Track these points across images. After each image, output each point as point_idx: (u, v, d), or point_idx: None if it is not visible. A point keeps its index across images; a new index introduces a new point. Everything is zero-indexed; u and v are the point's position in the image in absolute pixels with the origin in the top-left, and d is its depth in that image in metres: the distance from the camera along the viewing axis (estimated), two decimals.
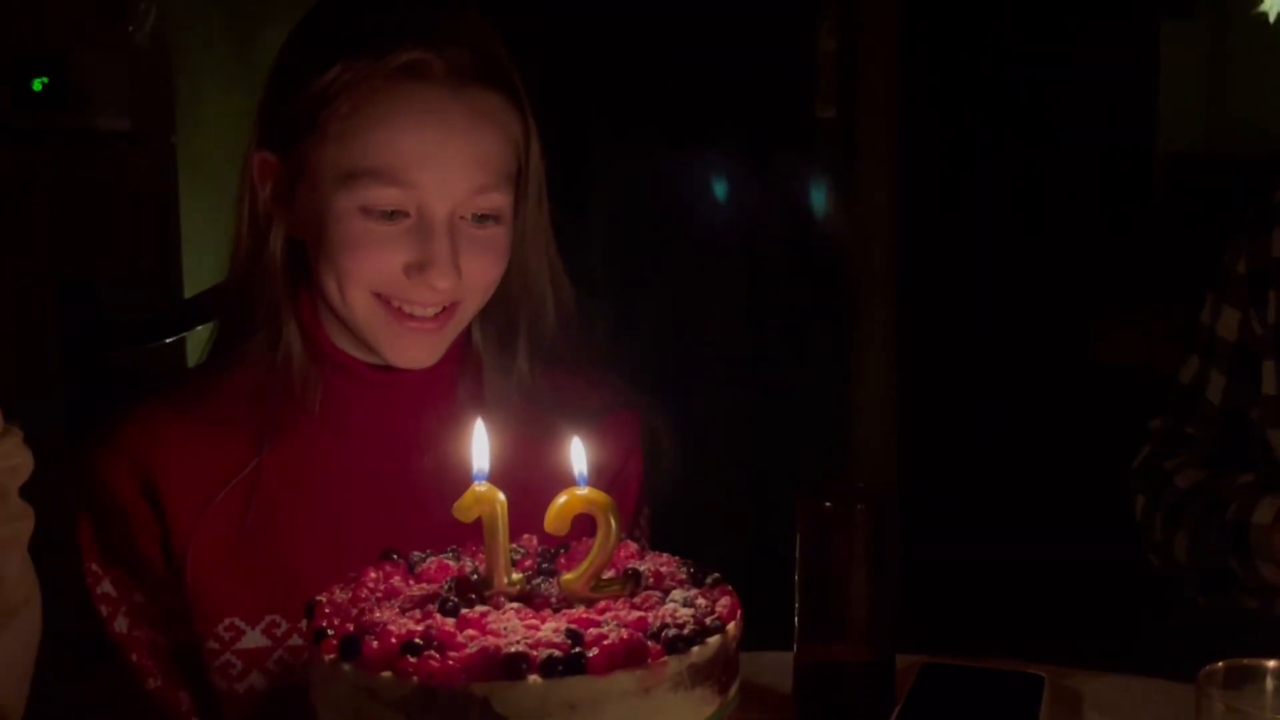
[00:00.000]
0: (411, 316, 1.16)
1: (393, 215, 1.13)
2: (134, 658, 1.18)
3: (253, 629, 1.17)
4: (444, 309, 1.17)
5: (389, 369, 1.21)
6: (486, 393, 1.23)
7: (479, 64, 1.15)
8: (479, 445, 0.92)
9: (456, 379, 1.24)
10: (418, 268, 1.13)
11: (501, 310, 1.23)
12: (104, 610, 1.17)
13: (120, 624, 1.18)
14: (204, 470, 1.17)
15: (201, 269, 2.41)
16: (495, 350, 1.24)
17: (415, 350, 1.19)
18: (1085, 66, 2.84)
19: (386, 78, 1.12)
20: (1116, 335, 2.72)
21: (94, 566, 1.18)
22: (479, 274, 1.17)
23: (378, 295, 1.16)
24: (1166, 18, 3.14)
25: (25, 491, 1.06)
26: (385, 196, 1.12)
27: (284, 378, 1.18)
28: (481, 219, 1.16)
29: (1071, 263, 2.86)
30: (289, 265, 1.19)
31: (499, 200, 1.17)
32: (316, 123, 1.14)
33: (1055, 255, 2.87)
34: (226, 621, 1.17)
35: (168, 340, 1.58)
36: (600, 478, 1.17)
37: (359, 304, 1.16)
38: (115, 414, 1.19)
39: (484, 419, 0.93)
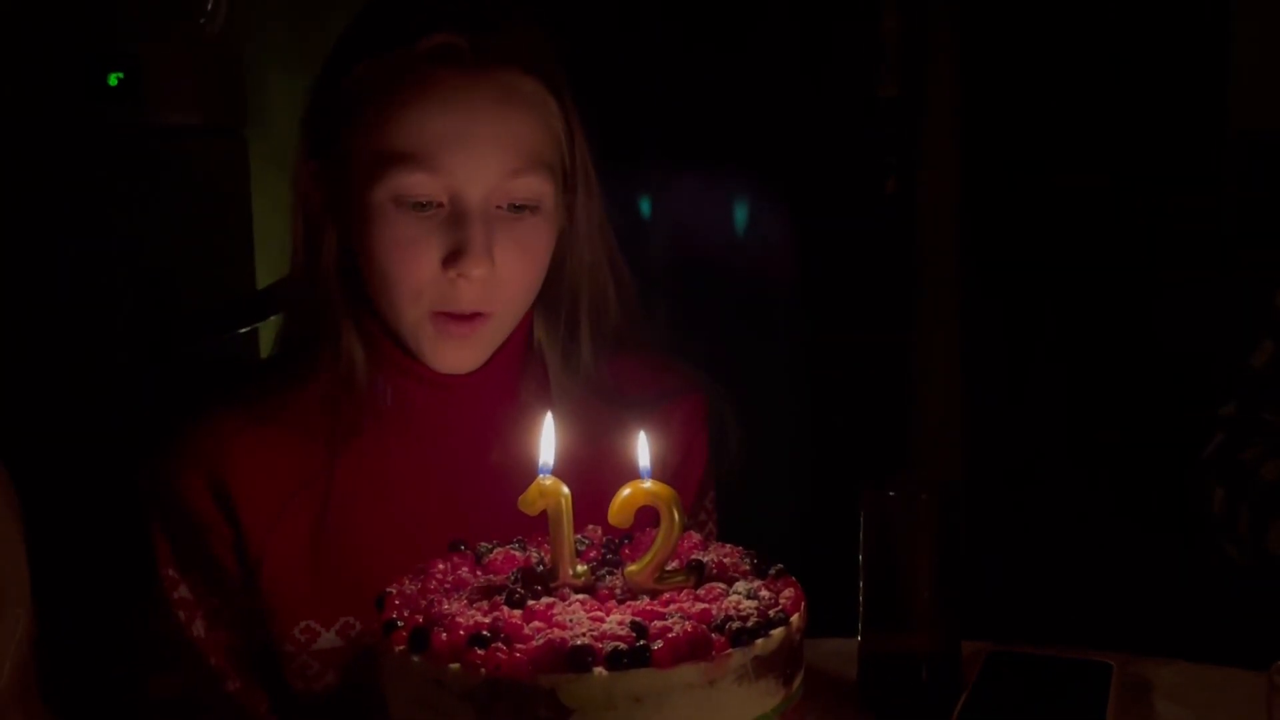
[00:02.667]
0: (450, 318, 1.15)
1: (426, 206, 1.12)
2: (213, 661, 1.18)
3: (328, 630, 1.17)
4: (474, 315, 1.15)
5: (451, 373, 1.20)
6: (553, 388, 1.22)
7: (509, 47, 1.14)
8: (545, 439, 0.92)
9: (519, 377, 1.23)
10: (452, 258, 1.11)
11: (563, 305, 1.22)
12: (181, 615, 1.18)
13: (198, 628, 1.18)
14: (276, 477, 1.17)
15: (273, 260, 2.43)
16: (559, 346, 1.23)
17: (454, 355, 1.18)
18: (1154, 41, 2.78)
19: (415, 64, 1.12)
20: (1182, 319, 2.67)
21: (170, 572, 1.18)
22: (513, 268, 1.14)
23: (419, 301, 1.14)
24: None
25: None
26: (415, 183, 1.11)
27: (348, 386, 1.18)
28: (518, 209, 1.14)
29: (1138, 245, 2.80)
30: (350, 274, 1.18)
31: (535, 186, 1.14)
32: (350, 116, 1.14)
33: (1122, 237, 2.82)
34: (302, 624, 1.17)
35: (242, 330, 1.60)
36: (665, 462, 1.17)
37: (408, 312, 1.15)
38: (185, 422, 1.19)
39: (551, 414, 0.93)
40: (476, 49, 1.12)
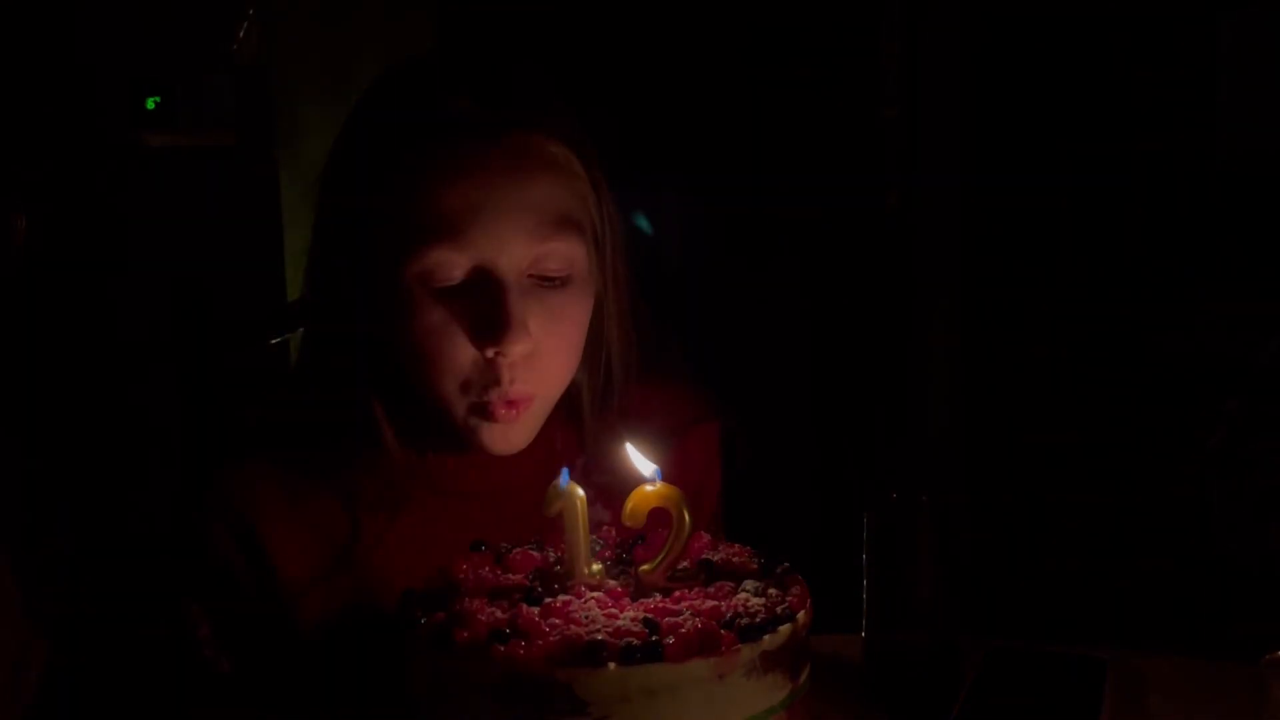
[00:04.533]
0: (491, 409, 1.07)
1: (456, 290, 1.04)
2: (231, 678, 1.15)
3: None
4: (516, 400, 1.07)
5: None
6: (587, 438, 1.16)
7: (527, 110, 1.07)
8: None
9: (556, 433, 1.17)
10: (489, 337, 1.03)
11: (597, 362, 1.15)
12: (208, 652, 1.13)
13: (219, 660, 1.14)
14: (312, 532, 1.11)
15: (301, 276, 2.45)
16: (590, 398, 1.16)
17: (507, 440, 1.09)
18: (1145, 59, 2.78)
19: (430, 134, 1.04)
20: (1178, 323, 2.66)
21: (196, 611, 1.14)
22: (553, 340, 1.07)
23: (468, 391, 1.07)
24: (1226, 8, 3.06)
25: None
26: (442, 260, 1.03)
27: (386, 468, 1.12)
28: (549, 280, 1.06)
29: (1135, 253, 2.80)
30: (376, 360, 1.10)
31: (565, 252, 1.06)
32: (370, 183, 1.06)
33: (1117, 246, 2.81)
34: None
35: (273, 341, 1.61)
36: (684, 489, 1.16)
37: (453, 403, 1.07)
38: (219, 477, 1.14)
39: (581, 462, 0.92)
40: (495, 114, 1.05)
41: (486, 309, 1.03)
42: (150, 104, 2.52)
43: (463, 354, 1.04)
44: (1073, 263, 2.79)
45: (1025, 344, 2.80)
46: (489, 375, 1.05)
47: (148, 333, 2.26)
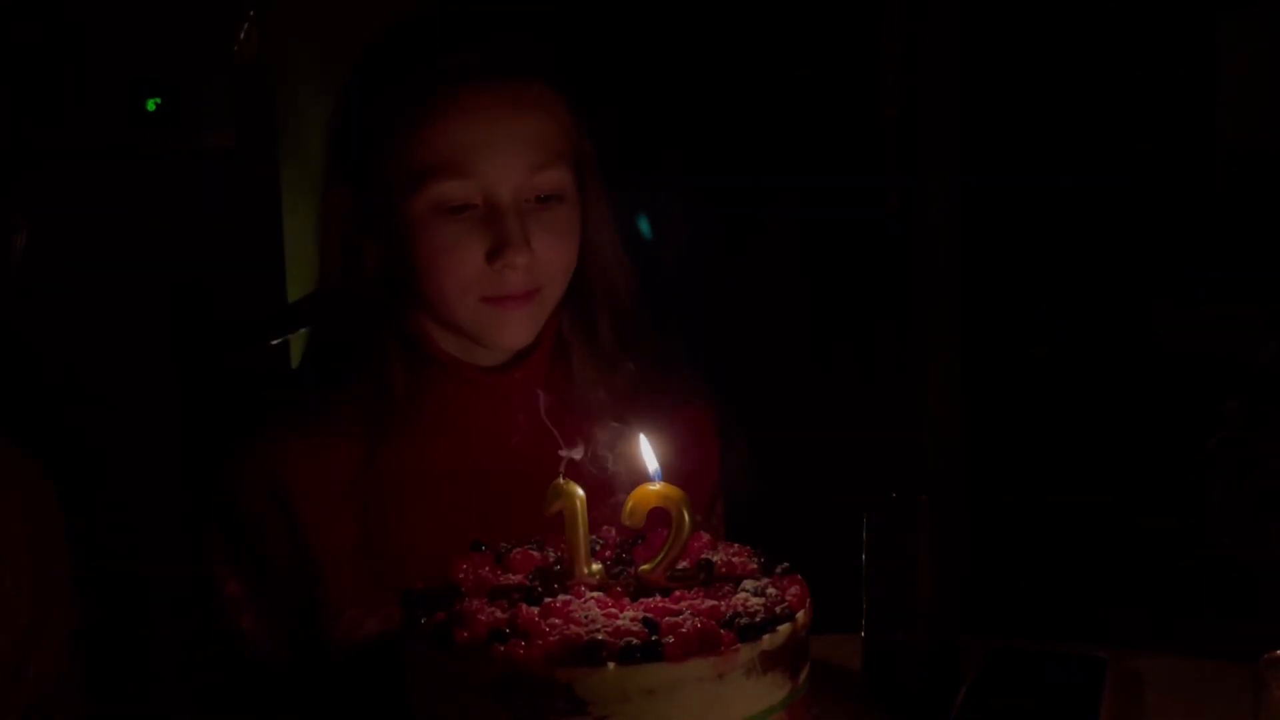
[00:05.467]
0: (504, 300, 1.20)
1: (463, 209, 1.17)
2: (260, 649, 1.21)
3: (371, 619, 1.19)
4: (527, 291, 1.20)
5: (489, 370, 1.25)
6: (576, 381, 1.26)
7: (519, 57, 1.21)
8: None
9: (547, 374, 1.26)
10: (495, 252, 1.17)
11: (580, 293, 1.27)
12: (231, 609, 1.21)
13: (247, 619, 1.21)
14: (327, 478, 1.20)
15: (303, 276, 2.45)
16: (582, 332, 1.28)
17: (512, 329, 1.22)
18: (1144, 59, 2.77)
19: (436, 83, 1.18)
20: (1178, 323, 2.66)
21: (221, 570, 1.21)
22: (551, 251, 1.20)
23: (468, 292, 1.19)
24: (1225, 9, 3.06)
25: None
26: (452, 189, 1.17)
27: (387, 389, 1.22)
28: (545, 200, 1.20)
29: (1135, 254, 2.80)
30: (384, 283, 1.23)
31: (557, 178, 1.20)
32: (379, 139, 1.19)
33: (1117, 246, 2.81)
34: (349, 614, 1.19)
35: (273, 341, 1.61)
36: (678, 470, 1.17)
37: (461, 304, 1.20)
38: (243, 434, 1.24)
39: (576, 410, 0.96)
40: (490, 62, 1.20)
41: (490, 228, 1.18)
42: (151, 105, 2.51)
43: (472, 265, 1.18)
44: (1073, 263, 2.79)
45: (1025, 344, 2.79)
46: (497, 281, 1.19)
47: (148, 333, 2.26)
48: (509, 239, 1.17)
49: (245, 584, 1.21)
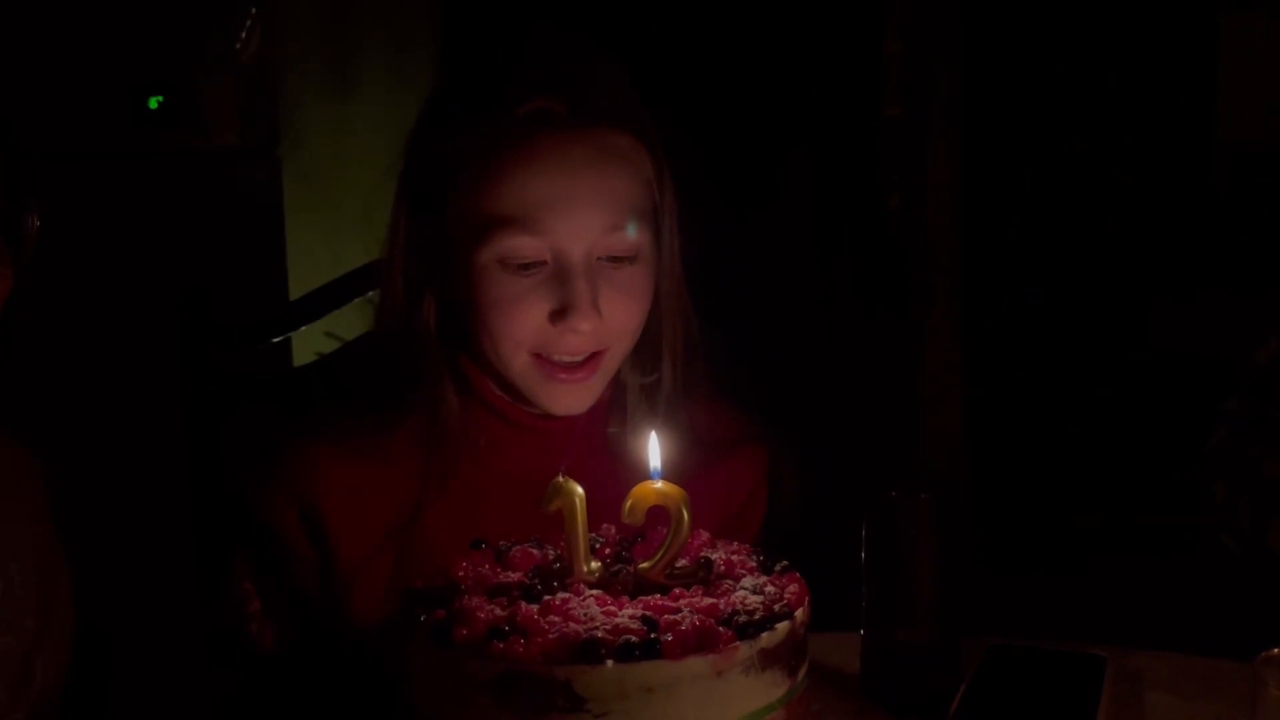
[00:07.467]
0: (562, 367, 1.13)
1: (530, 267, 1.10)
2: (276, 658, 1.19)
3: None
4: (590, 356, 1.14)
5: (546, 415, 1.18)
6: (630, 428, 1.20)
7: (603, 106, 1.12)
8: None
9: (606, 421, 1.22)
10: (560, 314, 1.10)
11: (649, 346, 1.20)
12: (254, 627, 1.18)
13: (265, 635, 1.18)
14: (371, 512, 1.15)
15: (305, 273, 2.45)
16: (643, 388, 1.21)
17: (569, 399, 1.16)
18: (1145, 60, 2.78)
19: (513, 128, 1.10)
20: (1177, 321, 2.66)
21: (247, 585, 1.18)
22: (619, 315, 1.13)
23: (529, 351, 1.13)
24: (1227, 11, 3.06)
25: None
26: (520, 245, 1.09)
27: (443, 430, 1.16)
28: (617, 260, 1.13)
29: (1133, 253, 2.80)
30: (445, 323, 1.17)
31: (633, 239, 1.12)
32: (452, 182, 1.12)
33: (1117, 246, 2.81)
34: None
35: (275, 340, 1.61)
36: (727, 509, 1.15)
37: (514, 361, 1.14)
38: (276, 448, 1.18)
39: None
40: (573, 110, 1.11)
41: (557, 287, 1.10)
42: (153, 104, 2.52)
43: (533, 323, 1.11)
44: (1072, 263, 2.79)
45: (1025, 343, 2.80)
46: (558, 343, 1.12)
47: (149, 334, 2.26)
48: (575, 302, 1.09)
49: (268, 604, 1.18)
